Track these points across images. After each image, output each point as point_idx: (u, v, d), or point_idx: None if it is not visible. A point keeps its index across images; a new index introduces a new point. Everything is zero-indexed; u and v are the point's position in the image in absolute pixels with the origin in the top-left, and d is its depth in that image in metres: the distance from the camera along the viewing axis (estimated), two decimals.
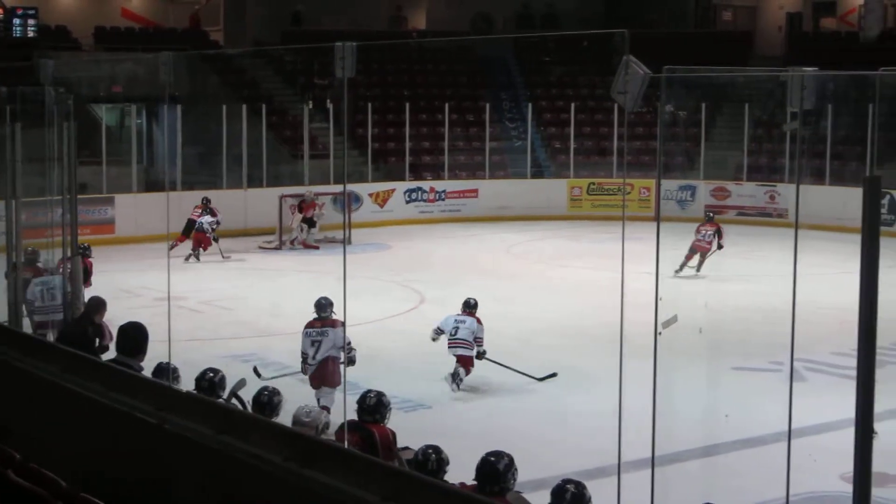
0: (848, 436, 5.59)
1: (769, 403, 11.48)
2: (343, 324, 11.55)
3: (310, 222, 25.72)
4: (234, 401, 9.19)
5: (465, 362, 13.73)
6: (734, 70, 32.01)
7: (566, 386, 14.06)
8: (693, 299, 16.47)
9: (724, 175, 31.61)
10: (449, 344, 13.88)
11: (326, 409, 11.04)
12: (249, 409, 8.89)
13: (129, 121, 29.29)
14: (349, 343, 11.70)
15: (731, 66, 33.29)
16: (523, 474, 7.57)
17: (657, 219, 26.33)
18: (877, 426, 5.55)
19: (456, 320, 13.92)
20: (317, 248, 25.23)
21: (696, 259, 21.32)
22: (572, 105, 32.78)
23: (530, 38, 37.49)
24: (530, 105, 33.68)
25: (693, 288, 17.47)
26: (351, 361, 11.94)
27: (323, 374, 12.29)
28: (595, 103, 33.30)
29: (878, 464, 5.55)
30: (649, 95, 7.93)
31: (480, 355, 13.78)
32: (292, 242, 25.38)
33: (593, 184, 31.91)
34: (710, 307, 16.83)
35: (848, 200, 24.04)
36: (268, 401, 8.86)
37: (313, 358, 12.32)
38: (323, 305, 12.45)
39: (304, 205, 25.72)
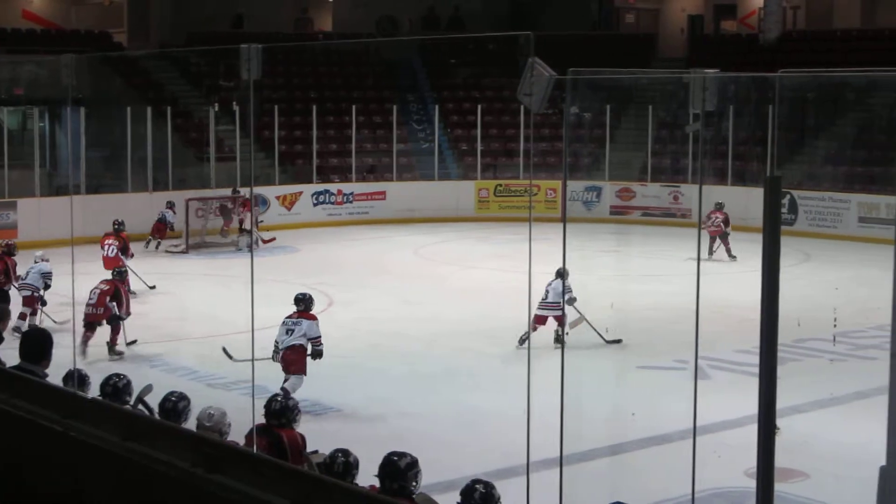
0: (751, 432, 5.68)
1: (674, 401, 11.68)
2: (315, 317, 13.03)
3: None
4: (140, 406, 9.07)
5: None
6: (638, 72, 32.39)
7: (472, 388, 14.10)
8: (599, 300, 16.63)
9: (629, 176, 31.94)
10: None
11: (285, 390, 11.87)
12: (156, 414, 8.79)
13: (32, 124, 28.77)
14: (318, 337, 12.88)
15: (635, 68, 33.69)
16: (433, 477, 7.58)
17: (563, 220, 26.54)
18: (779, 422, 5.65)
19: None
20: (273, 239, 25.72)
21: (717, 243, 22.88)
22: (479, 107, 32.90)
23: (436, 41, 37.57)
24: (437, 107, 33.73)
25: (599, 288, 17.62)
26: (317, 354, 12.89)
27: (291, 359, 12.89)
28: (501, 105, 33.46)
29: (781, 459, 5.66)
30: (555, 97, 8.01)
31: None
32: (257, 244, 24.68)
33: (500, 185, 32.06)
34: (616, 307, 17.02)
35: (749, 200, 24.55)
36: (173, 407, 8.77)
37: (283, 344, 12.93)
38: (299, 300, 13.33)
39: (242, 204, 25.91)
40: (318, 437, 9.56)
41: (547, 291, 15.59)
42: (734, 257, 22.42)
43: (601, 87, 29.67)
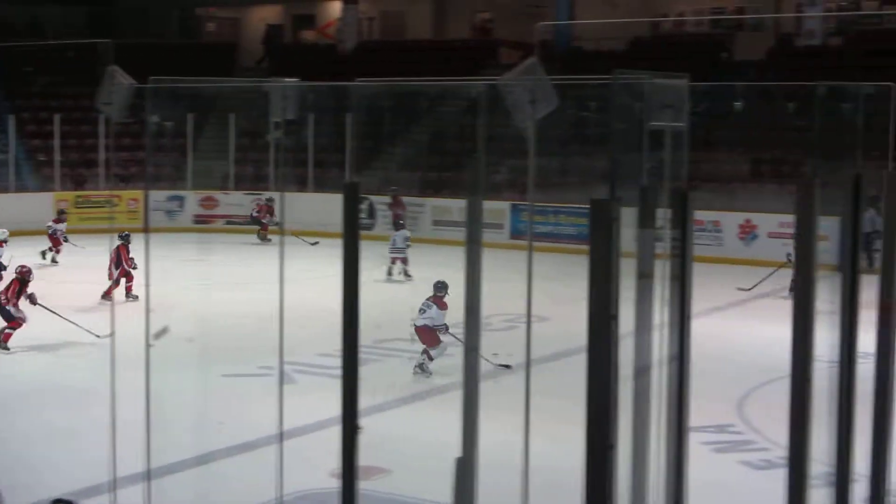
0: (336, 433, 5.80)
1: (261, 408, 11.68)
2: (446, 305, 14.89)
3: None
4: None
5: None
6: (219, 81, 32.27)
7: (59, 405, 13.59)
8: (184, 309, 16.42)
9: (212, 184, 31.78)
10: None
11: (427, 354, 14.98)
12: None
13: None
14: (442, 325, 14.92)
15: (217, 76, 33.55)
16: (18, 499, 7.22)
17: (146, 230, 26.04)
18: (362, 421, 5.79)
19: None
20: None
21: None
22: (57, 117, 31.67)
23: (11, 48, 35.81)
24: (12, 117, 32.14)
25: (184, 298, 17.38)
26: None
27: (422, 335, 15.11)
28: (81, 115, 32.33)
29: (364, 457, 5.81)
30: (136, 106, 7.83)
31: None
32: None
33: (80, 197, 31.00)
34: (199, 315, 16.86)
35: (331, 206, 24.99)
36: None
37: (415, 320, 15.10)
38: (438, 286, 15.36)
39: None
40: None
41: None
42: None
43: (183, 96, 29.30)
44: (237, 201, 31.16)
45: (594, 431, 4.54)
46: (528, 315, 8.37)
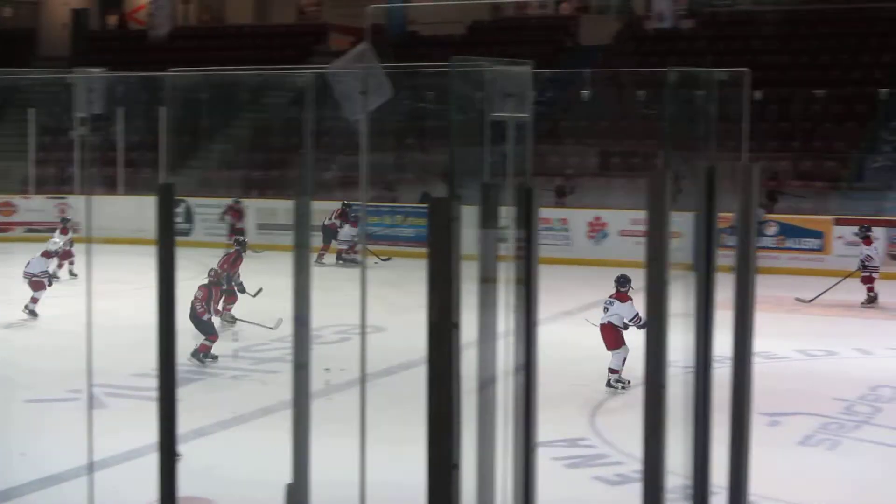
0: (153, 462, 5.69)
1: (69, 435, 11.42)
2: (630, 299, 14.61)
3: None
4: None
5: None
6: (17, 72, 31.50)
7: None
8: None
9: (10, 188, 30.99)
10: None
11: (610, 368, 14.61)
12: None
13: None
14: (635, 316, 14.43)
15: (14, 67, 32.71)
16: None
17: None
18: (181, 447, 5.70)
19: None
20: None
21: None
22: None
23: None
24: None
25: None
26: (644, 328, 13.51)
27: (605, 334, 14.83)
28: None
29: (185, 487, 5.71)
30: None
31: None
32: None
33: None
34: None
35: (143, 210, 24.59)
36: None
37: (601, 319, 14.91)
38: (620, 281, 14.98)
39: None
40: None
41: None
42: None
43: None
44: (39, 206, 30.42)
45: (436, 450, 4.55)
46: (363, 325, 8.36)
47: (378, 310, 7.71)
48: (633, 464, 10.85)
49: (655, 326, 5.13)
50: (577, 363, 15.53)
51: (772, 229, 25.42)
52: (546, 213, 25.38)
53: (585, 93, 30.93)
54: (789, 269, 24.71)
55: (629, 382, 14.41)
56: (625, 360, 14.52)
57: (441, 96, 25.58)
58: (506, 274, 5.08)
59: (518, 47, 31.72)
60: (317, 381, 5.80)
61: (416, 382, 4.90)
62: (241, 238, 20.71)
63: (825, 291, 20.75)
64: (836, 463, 11.90)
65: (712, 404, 5.58)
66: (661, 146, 24.44)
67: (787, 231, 25.57)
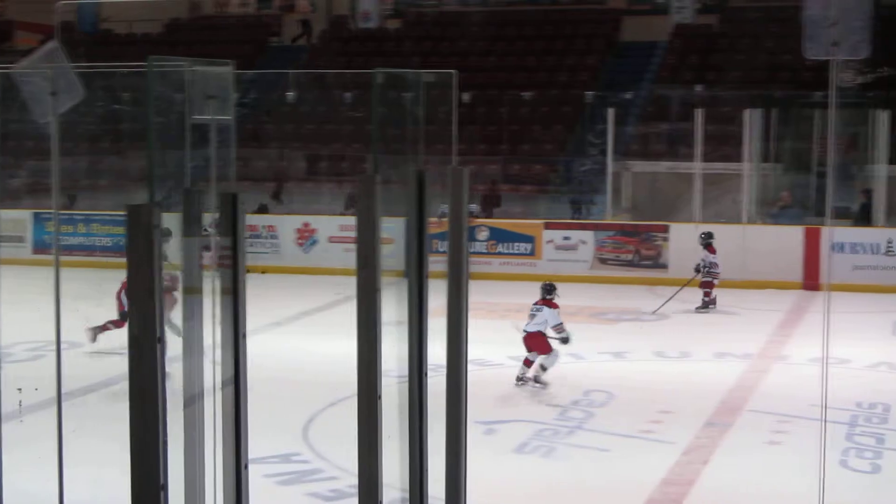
0: None
1: None
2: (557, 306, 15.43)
3: None
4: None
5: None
6: None
7: None
8: None
9: None
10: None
11: (542, 366, 15.29)
12: None
13: None
14: (559, 324, 15.28)
15: None
16: None
17: None
18: None
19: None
20: None
21: None
22: None
23: None
24: None
25: None
26: (565, 340, 15.35)
27: (530, 343, 15.37)
28: None
29: None
30: None
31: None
32: None
33: None
34: None
35: None
36: None
37: (526, 326, 15.45)
38: (547, 288, 15.67)
39: None
40: None
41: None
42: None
43: None
44: None
45: (141, 470, 4.46)
46: (58, 342, 8.14)
47: (75, 324, 7.50)
48: (349, 478, 10.93)
49: (366, 336, 5.17)
50: (288, 375, 15.50)
51: (483, 234, 25.97)
52: (252, 219, 25.23)
53: (290, 94, 30.94)
54: (501, 274, 25.30)
55: (547, 384, 15.32)
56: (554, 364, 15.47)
57: (138, 97, 25.14)
58: (211, 284, 5.04)
59: (218, 47, 31.52)
60: (7, 402, 5.62)
61: (119, 401, 4.80)
62: None
63: (666, 302, 21.45)
64: (550, 469, 12.24)
65: (428, 414, 5.66)
66: (370, 149, 24.66)
67: (499, 235, 26.16)
